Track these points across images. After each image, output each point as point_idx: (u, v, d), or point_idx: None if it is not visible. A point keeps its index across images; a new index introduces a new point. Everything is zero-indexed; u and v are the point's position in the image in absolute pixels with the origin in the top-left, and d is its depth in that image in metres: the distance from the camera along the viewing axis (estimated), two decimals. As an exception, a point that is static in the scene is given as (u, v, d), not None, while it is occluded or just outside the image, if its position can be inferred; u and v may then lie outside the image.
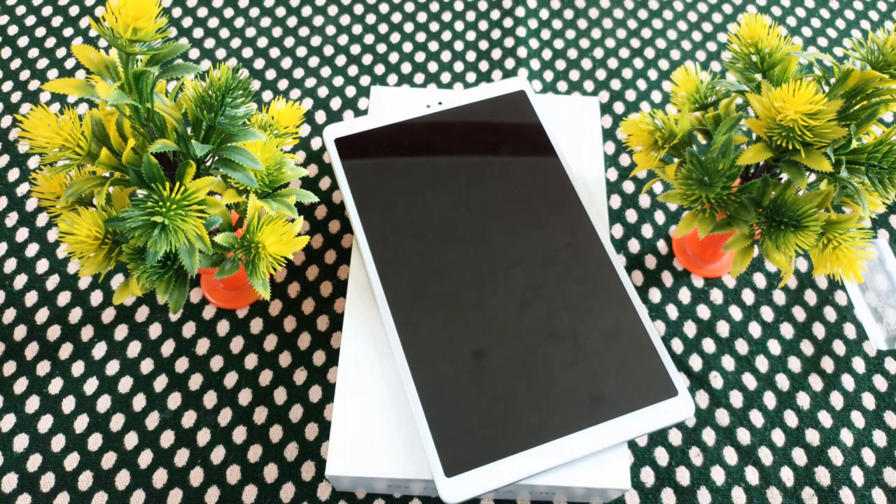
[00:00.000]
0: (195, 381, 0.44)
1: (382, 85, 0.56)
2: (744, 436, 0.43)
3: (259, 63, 0.57)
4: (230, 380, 0.44)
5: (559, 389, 0.36)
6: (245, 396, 0.43)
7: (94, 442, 0.42)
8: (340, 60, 0.57)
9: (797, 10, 0.61)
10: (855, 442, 0.43)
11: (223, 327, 0.46)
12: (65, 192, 0.33)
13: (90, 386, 0.43)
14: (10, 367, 0.44)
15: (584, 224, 0.41)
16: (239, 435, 0.42)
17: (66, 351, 0.45)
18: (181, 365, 0.44)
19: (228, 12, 0.59)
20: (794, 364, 0.45)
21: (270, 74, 0.56)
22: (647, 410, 0.35)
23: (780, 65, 0.36)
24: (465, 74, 0.57)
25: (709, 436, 0.43)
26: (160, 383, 0.44)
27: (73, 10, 0.59)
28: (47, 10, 0.59)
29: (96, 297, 0.46)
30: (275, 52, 0.57)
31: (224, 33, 0.58)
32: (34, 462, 0.41)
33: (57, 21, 0.58)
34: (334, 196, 0.51)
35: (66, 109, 0.33)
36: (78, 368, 0.44)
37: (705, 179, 0.36)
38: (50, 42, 0.57)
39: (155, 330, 0.45)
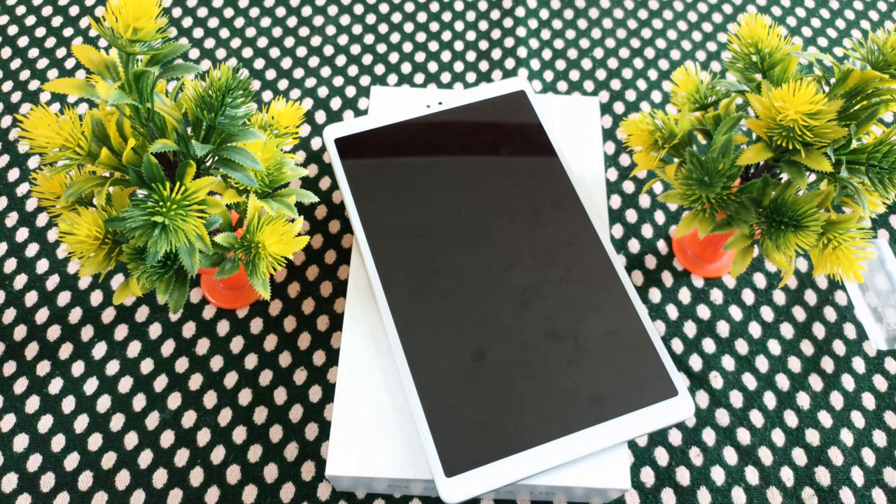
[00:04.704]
0: (195, 381, 0.44)
1: (382, 85, 0.56)
2: (744, 436, 0.43)
3: (259, 63, 0.57)
4: (230, 380, 0.44)
5: (559, 389, 0.36)
6: (245, 396, 0.43)
7: (94, 442, 0.42)
8: (340, 60, 0.57)
9: (797, 10, 0.61)
10: (855, 442, 0.43)
11: (223, 327, 0.46)
12: (65, 192, 0.33)
13: (90, 386, 0.43)
14: (10, 367, 0.44)
15: (584, 224, 0.41)
16: (239, 435, 0.42)
17: (66, 351, 0.45)
18: (181, 365, 0.44)
19: (228, 12, 0.59)
20: (794, 364, 0.45)
21: (270, 74, 0.56)
22: (647, 410, 0.35)
23: (780, 65, 0.36)
24: (465, 74, 0.57)
25: (709, 436, 0.43)
26: (160, 383, 0.44)
27: (73, 10, 0.59)
28: (47, 10, 0.59)
29: (96, 297, 0.46)
30: (275, 52, 0.57)
31: (224, 33, 0.58)
32: (34, 462, 0.41)
33: (57, 21, 0.58)
34: (334, 196, 0.51)
35: (66, 109, 0.33)
36: (78, 368, 0.44)
37: (705, 179, 0.36)
38: (50, 42, 0.57)
39: (155, 330, 0.45)
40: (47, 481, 0.41)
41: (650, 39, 0.59)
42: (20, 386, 0.43)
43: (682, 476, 0.42)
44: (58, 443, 0.42)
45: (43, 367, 0.44)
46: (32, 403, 0.43)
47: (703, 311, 0.47)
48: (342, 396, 0.37)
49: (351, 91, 0.56)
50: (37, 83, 0.55)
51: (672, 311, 0.47)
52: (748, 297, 0.48)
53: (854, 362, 0.45)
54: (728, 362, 0.45)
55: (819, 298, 0.48)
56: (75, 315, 0.46)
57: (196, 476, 0.41)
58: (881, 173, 0.34)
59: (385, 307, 0.38)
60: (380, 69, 0.57)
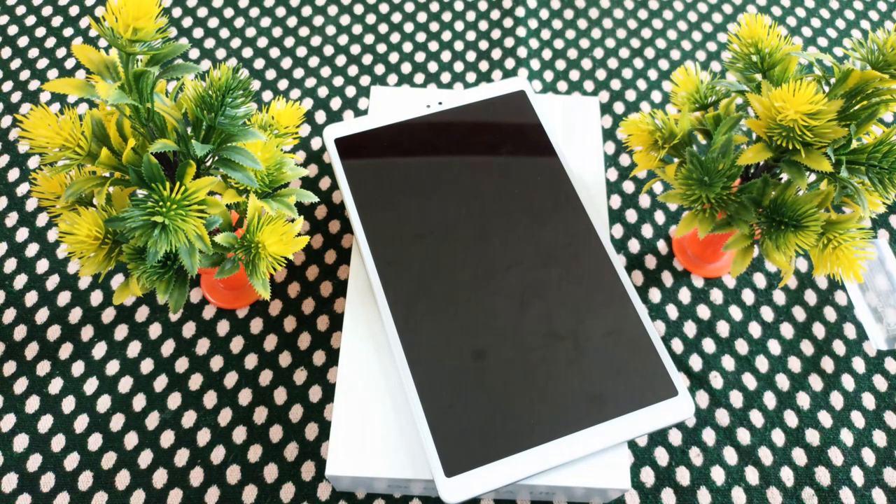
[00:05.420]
0: (195, 381, 0.44)
1: (382, 85, 0.56)
2: (744, 436, 0.43)
3: (259, 63, 0.57)
4: (230, 380, 0.44)
5: (559, 389, 0.36)
6: (245, 396, 0.43)
7: (94, 442, 0.42)
8: (340, 60, 0.57)
9: (797, 10, 0.61)
10: (855, 442, 0.43)
11: (223, 327, 0.46)
12: (65, 192, 0.33)
13: (90, 386, 0.43)
14: (10, 367, 0.44)
15: (584, 224, 0.41)
16: (239, 435, 0.42)
17: (66, 351, 0.45)
18: (181, 365, 0.44)
19: (228, 12, 0.59)
20: (794, 364, 0.45)
21: (270, 74, 0.56)
22: (647, 410, 0.35)
23: (780, 65, 0.36)
24: (465, 74, 0.57)
25: (709, 436, 0.43)
26: (160, 383, 0.44)
27: (73, 10, 0.59)
28: (47, 10, 0.59)
29: (96, 297, 0.46)
30: (275, 52, 0.57)
31: (224, 33, 0.58)
32: (34, 462, 0.41)
33: (57, 21, 0.58)
34: (334, 196, 0.51)
35: (66, 109, 0.33)
36: (78, 368, 0.44)
37: (705, 179, 0.36)
38: (50, 42, 0.57)
39: (155, 330, 0.45)
40: (47, 481, 0.41)
41: (650, 39, 0.59)
42: (20, 386, 0.43)
43: (682, 476, 0.42)
44: (58, 443, 0.42)
45: (43, 367, 0.44)
46: (32, 403, 0.43)
47: (703, 311, 0.47)
48: (342, 396, 0.37)
49: (351, 91, 0.56)
50: (37, 83, 0.55)
51: (672, 311, 0.47)
52: (748, 297, 0.48)
53: (854, 362, 0.45)
54: (728, 362, 0.45)
55: (819, 298, 0.48)
56: (75, 315, 0.46)
57: (196, 476, 0.41)
58: (881, 173, 0.34)
59: (385, 307, 0.38)
60: (380, 69, 0.57)
